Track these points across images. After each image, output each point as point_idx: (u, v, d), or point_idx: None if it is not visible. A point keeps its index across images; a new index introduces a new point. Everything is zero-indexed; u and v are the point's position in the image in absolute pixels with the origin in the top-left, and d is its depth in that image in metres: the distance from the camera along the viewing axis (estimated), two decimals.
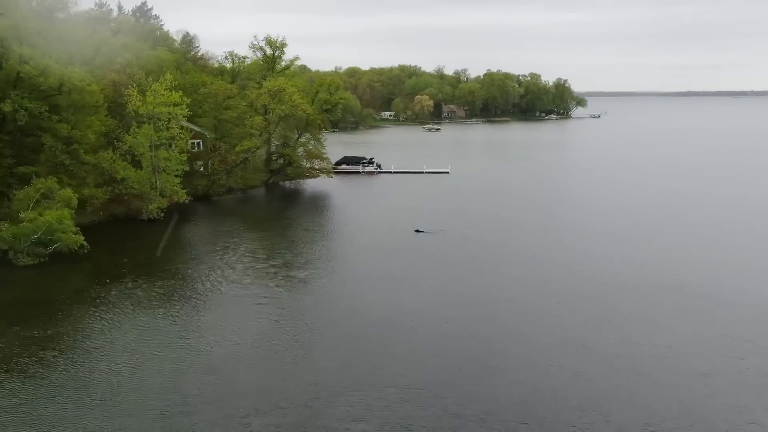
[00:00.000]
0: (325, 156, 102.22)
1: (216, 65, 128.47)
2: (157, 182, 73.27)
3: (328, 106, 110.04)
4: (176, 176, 74.49)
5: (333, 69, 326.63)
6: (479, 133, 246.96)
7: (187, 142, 76.88)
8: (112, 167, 70.42)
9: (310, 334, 39.91)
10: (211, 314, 43.22)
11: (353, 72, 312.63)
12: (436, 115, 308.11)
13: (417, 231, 67.57)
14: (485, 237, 66.12)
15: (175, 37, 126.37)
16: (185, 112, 74.70)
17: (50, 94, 65.00)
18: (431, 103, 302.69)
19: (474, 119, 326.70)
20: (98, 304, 44.67)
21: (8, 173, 63.73)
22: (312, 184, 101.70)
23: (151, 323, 41.25)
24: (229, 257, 57.95)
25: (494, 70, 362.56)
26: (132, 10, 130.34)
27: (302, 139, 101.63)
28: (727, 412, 30.68)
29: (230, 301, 45.77)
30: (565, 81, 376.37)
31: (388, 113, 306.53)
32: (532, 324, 41.63)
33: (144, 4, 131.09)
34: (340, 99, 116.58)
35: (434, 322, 41.67)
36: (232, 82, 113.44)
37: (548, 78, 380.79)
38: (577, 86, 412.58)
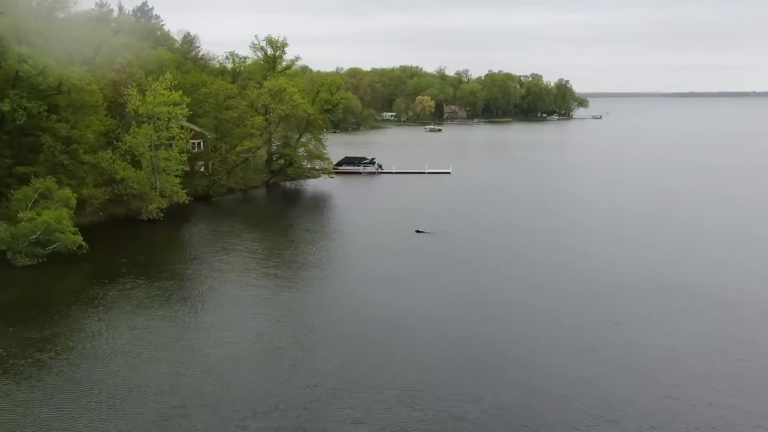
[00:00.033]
0: (326, 156, 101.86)
1: (217, 65, 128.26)
2: (157, 182, 72.91)
3: (329, 106, 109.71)
4: (176, 176, 74.11)
5: (334, 69, 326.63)
6: (481, 133, 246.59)
7: (187, 141, 76.51)
8: (112, 167, 70.05)
9: (310, 335, 39.50)
10: (210, 315, 42.82)
11: (354, 72, 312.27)
12: (437, 116, 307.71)
13: (418, 231, 67.16)
14: (486, 237, 65.70)
15: (175, 38, 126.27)
16: (185, 111, 74.34)
17: (49, 94, 64.69)
18: (432, 103, 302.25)
19: (475, 120, 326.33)
20: (96, 304, 44.28)
21: (7, 173, 63.37)
22: (313, 185, 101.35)
23: (149, 324, 40.84)
24: (228, 258, 57.56)
25: (496, 70, 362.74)
26: (132, 10, 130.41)
27: (303, 140, 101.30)
28: (732, 415, 30.22)
29: (229, 301, 45.36)
30: (567, 82, 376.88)
31: (390, 114, 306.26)
32: (534, 325, 41.20)
33: (145, 4, 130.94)
34: (341, 99, 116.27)
35: (435, 323, 41.25)
36: (233, 83, 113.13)
37: (550, 79, 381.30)
38: (578, 87, 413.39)
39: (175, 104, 72.63)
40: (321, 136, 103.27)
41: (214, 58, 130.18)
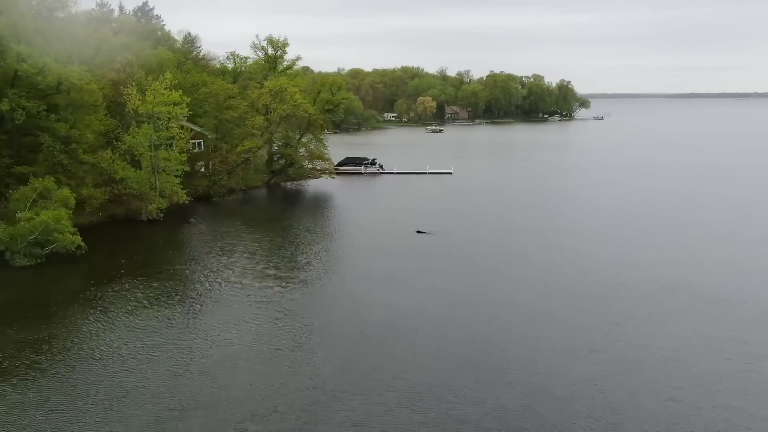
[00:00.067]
0: (327, 156, 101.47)
1: (218, 66, 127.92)
2: (157, 182, 72.57)
3: (330, 106, 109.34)
4: (176, 176, 73.77)
5: (336, 70, 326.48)
6: (482, 134, 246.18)
7: (187, 141, 76.15)
8: (111, 167, 69.72)
9: (309, 336, 39.10)
10: (209, 316, 42.43)
11: (356, 73, 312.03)
12: (438, 117, 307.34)
13: (418, 232, 66.76)
14: (487, 238, 65.30)
15: (176, 38, 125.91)
16: (185, 111, 74.00)
17: (48, 93, 64.43)
18: (434, 104, 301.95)
19: (477, 120, 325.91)
20: (94, 305, 43.91)
21: (6, 173, 63.11)
22: (314, 185, 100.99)
23: (147, 325, 40.45)
24: (228, 258, 57.18)
25: (497, 71, 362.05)
26: (133, 11, 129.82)
27: (304, 140, 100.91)
28: (736, 418, 29.80)
29: (228, 302, 44.97)
30: (568, 82, 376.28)
31: (391, 114, 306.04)
32: (535, 326, 40.78)
33: (145, 4, 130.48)
34: (342, 99, 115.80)
35: (435, 324, 40.85)
36: (234, 83, 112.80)
37: (551, 79, 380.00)
38: (580, 88, 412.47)
39: (175, 104, 72.31)
40: (322, 137, 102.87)
41: (215, 59, 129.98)
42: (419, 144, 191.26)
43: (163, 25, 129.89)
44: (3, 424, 28.52)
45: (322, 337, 38.86)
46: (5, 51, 61.85)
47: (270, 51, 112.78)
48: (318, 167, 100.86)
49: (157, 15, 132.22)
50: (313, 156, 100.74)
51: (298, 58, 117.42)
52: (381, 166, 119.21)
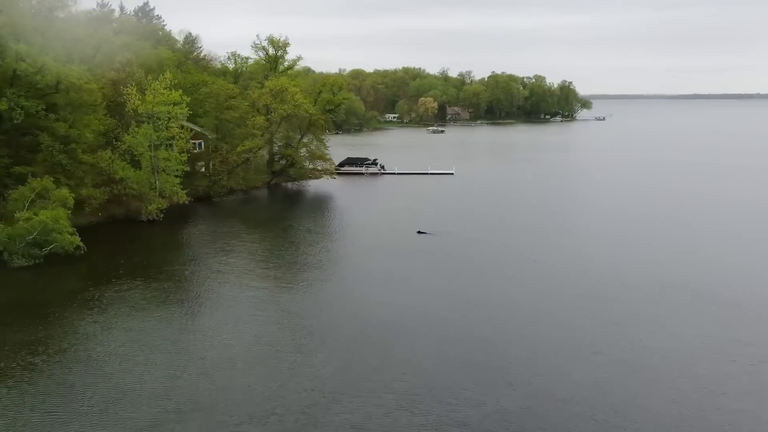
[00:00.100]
0: (328, 157, 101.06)
1: (219, 66, 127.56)
2: (157, 183, 72.20)
3: (331, 107, 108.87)
4: (176, 176, 73.37)
5: (337, 71, 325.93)
6: (484, 135, 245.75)
7: (187, 141, 75.75)
8: (111, 167, 69.34)
9: (309, 337, 38.70)
10: (208, 317, 42.05)
11: (357, 74, 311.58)
12: (440, 117, 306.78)
13: (419, 232, 66.37)
14: (489, 238, 64.92)
15: (177, 38, 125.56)
16: (185, 111, 73.63)
17: (47, 92, 64.12)
18: (435, 105, 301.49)
19: (478, 121, 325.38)
20: (91, 306, 43.53)
21: (4, 173, 62.74)
22: (315, 186, 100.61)
23: (145, 326, 40.07)
24: (228, 259, 56.80)
25: (498, 72, 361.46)
26: (134, 11, 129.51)
27: (305, 140, 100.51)
28: (740, 420, 29.39)
29: (228, 303, 44.58)
30: (570, 83, 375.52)
31: (392, 115, 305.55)
32: (537, 327, 40.38)
33: (146, 4, 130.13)
34: (344, 99, 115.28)
35: (436, 325, 40.44)
36: (235, 83, 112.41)
37: (553, 80, 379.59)
38: (581, 89, 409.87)
39: (174, 104, 71.93)
40: (323, 137, 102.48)
41: (215, 59, 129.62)
42: (421, 144, 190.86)
43: (164, 25, 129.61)
44: None
45: (321, 338, 38.46)
46: (4, 50, 61.51)
47: (271, 51, 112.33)
48: (319, 167, 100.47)
49: (157, 15, 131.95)
50: (314, 156, 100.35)
51: (299, 58, 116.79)
52: (382, 167, 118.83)
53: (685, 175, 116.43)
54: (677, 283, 49.52)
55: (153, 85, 71.70)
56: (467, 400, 30.81)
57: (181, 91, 74.14)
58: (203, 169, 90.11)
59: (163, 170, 72.47)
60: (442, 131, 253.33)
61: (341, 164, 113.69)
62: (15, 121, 61.28)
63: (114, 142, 72.09)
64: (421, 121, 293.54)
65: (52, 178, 59.83)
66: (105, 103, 72.16)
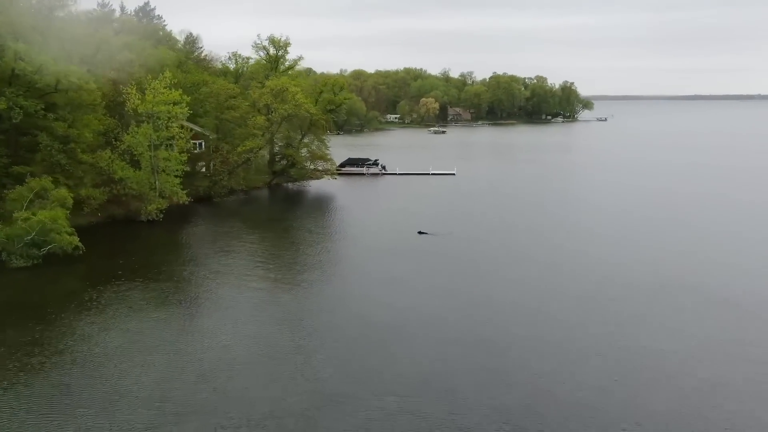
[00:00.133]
0: (328, 157, 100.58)
1: (219, 66, 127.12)
2: (157, 183, 71.74)
3: (333, 107, 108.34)
4: (176, 177, 72.87)
5: (338, 72, 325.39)
6: (485, 135, 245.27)
7: (187, 141, 75.29)
8: (110, 167, 68.89)
9: (309, 338, 38.22)
10: (206, 318, 41.58)
11: (358, 74, 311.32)
12: (441, 118, 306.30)
13: (420, 233, 65.90)
14: (490, 239, 64.46)
15: (178, 38, 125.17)
16: (185, 111, 73.11)
17: (46, 92, 63.72)
18: (437, 105, 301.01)
19: (480, 122, 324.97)
20: (89, 307, 43.06)
21: (3, 173, 62.27)
22: (316, 186, 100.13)
23: (143, 327, 39.59)
24: (228, 259, 56.35)
25: (500, 72, 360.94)
26: (134, 11, 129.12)
27: (306, 140, 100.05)
28: (742, 422, 28.89)
29: (227, 304, 44.10)
30: (572, 84, 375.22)
31: (394, 116, 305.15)
32: (538, 328, 39.88)
33: (147, 4, 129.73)
34: (345, 99, 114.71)
35: (437, 326, 39.96)
36: (236, 83, 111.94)
37: (554, 81, 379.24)
38: (583, 89, 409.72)
39: (174, 103, 71.45)
40: (324, 137, 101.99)
41: (216, 59, 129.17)
42: (422, 145, 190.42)
43: (165, 25, 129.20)
44: None
45: (321, 339, 37.99)
46: (2, 49, 61.17)
47: (272, 51, 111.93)
48: (320, 168, 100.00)
49: (158, 15, 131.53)
50: (315, 156, 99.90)
51: (300, 58, 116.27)
52: (383, 167, 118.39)
53: (686, 175, 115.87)
54: (679, 284, 49.06)
55: (153, 85, 71.26)
56: (469, 402, 30.31)
57: (180, 90, 73.66)
58: (204, 170, 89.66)
59: (163, 170, 71.99)
60: (444, 132, 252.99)
61: (342, 165, 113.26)
62: (14, 121, 60.89)
63: (113, 142, 71.64)
64: (422, 121, 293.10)
65: (50, 178, 59.42)
66: (104, 102, 71.73)
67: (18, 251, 52.26)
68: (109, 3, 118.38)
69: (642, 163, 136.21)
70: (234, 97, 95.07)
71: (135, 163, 71.75)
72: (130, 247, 60.53)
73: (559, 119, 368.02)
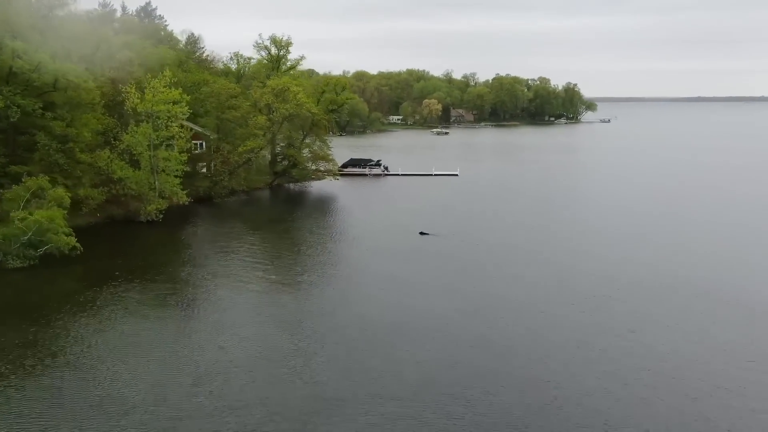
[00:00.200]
0: (330, 157, 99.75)
1: (221, 66, 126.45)
2: (156, 183, 70.92)
3: (334, 107, 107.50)
4: (176, 177, 72.04)
5: (341, 73, 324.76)
6: (488, 136, 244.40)
7: (187, 141, 74.47)
8: (109, 167, 68.11)
9: (309, 340, 37.35)
10: (205, 320, 40.73)
11: (361, 76, 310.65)
12: (444, 119, 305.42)
13: (421, 233, 65.04)
14: (494, 240, 63.62)
15: (179, 38, 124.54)
16: (185, 110, 72.29)
17: (44, 91, 63.09)
18: (439, 107, 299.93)
19: (483, 123, 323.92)
20: (86, 309, 42.21)
21: (0, 173, 61.55)
22: (317, 187, 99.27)
23: (139, 330, 38.73)
24: (228, 260, 55.52)
25: (503, 74, 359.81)
26: (136, 11, 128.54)
27: (307, 140, 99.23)
28: (750, 423, 27.96)
29: (226, 306, 43.25)
30: (575, 85, 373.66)
31: (396, 117, 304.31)
32: (542, 328, 39.05)
33: (148, 4, 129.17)
34: (347, 99, 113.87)
35: (439, 327, 39.10)
36: (237, 83, 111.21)
37: (557, 82, 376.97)
38: (586, 91, 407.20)
39: (174, 102, 70.64)
40: (325, 137, 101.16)
41: (218, 60, 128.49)
42: (425, 146, 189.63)
43: (166, 25, 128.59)
44: None
45: (322, 341, 37.13)
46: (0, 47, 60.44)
47: (273, 50, 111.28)
48: (322, 168, 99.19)
49: (159, 15, 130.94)
50: (316, 157, 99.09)
51: (302, 58, 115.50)
52: (386, 168, 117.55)
53: (692, 176, 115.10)
54: (686, 284, 48.34)
55: (152, 84, 70.47)
56: (473, 407, 29.43)
57: (180, 89, 72.83)
58: (204, 170, 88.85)
59: (163, 170, 71.18)
60: (447, 133, 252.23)
61: (344, 165, 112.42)
62: (11, 120, 60.23)
63: (112, 142, 70.85)
64: (425, 122, 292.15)
65: (48, 178, 58.58)
66: (103, 101, 70.97)
67: (14, 252, 51.52)
68: (110, 3, 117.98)
69: (647, 164, 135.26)
70: (235, 97, 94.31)
71: (134, 163, 70.96)
72: (128, 248, 59.74)
73: (563, 121, 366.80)
